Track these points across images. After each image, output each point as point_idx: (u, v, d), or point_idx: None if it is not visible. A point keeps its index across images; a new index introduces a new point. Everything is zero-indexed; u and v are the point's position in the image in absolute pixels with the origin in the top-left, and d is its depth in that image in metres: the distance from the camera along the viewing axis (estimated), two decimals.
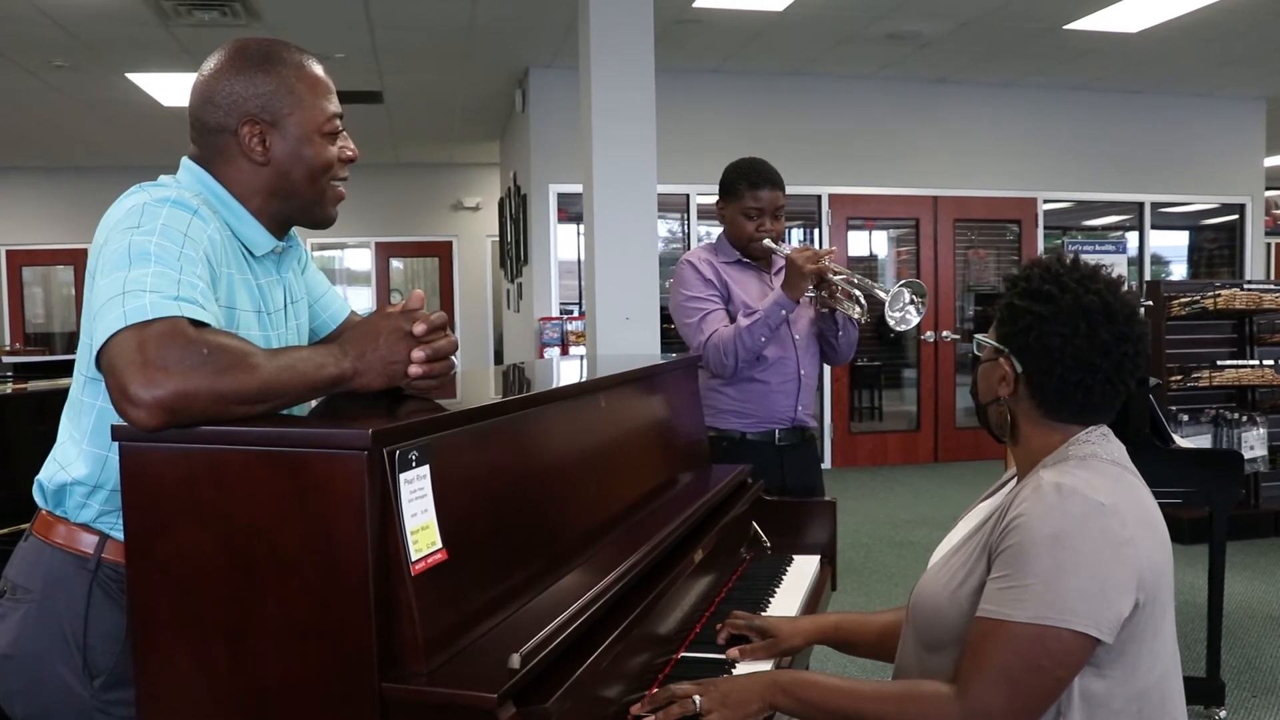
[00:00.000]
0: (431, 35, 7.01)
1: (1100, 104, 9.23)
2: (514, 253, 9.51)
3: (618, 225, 5.52)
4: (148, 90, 8.04)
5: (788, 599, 2.25)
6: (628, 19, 5.49)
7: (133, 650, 1.30)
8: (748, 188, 3.05)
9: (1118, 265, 8.22)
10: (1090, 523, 1.44)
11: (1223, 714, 3.49)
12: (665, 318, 7.54)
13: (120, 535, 1.45)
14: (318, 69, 1.65)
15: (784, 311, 2.92)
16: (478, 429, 1.45)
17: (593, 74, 5.46)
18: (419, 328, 1.43)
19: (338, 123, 1.66)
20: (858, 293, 2.94)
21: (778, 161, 3.16)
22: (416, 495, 1.25)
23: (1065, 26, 7.16)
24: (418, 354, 1.43)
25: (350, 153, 1.69)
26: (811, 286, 2.95)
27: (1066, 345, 1.55)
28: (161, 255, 1.36)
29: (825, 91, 8.65)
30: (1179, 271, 10.62)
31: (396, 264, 13.36)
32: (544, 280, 8.29)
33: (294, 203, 1.64)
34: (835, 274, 2.94)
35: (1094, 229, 10.11)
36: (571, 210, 8.20)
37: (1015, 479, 1.72)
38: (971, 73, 8.55)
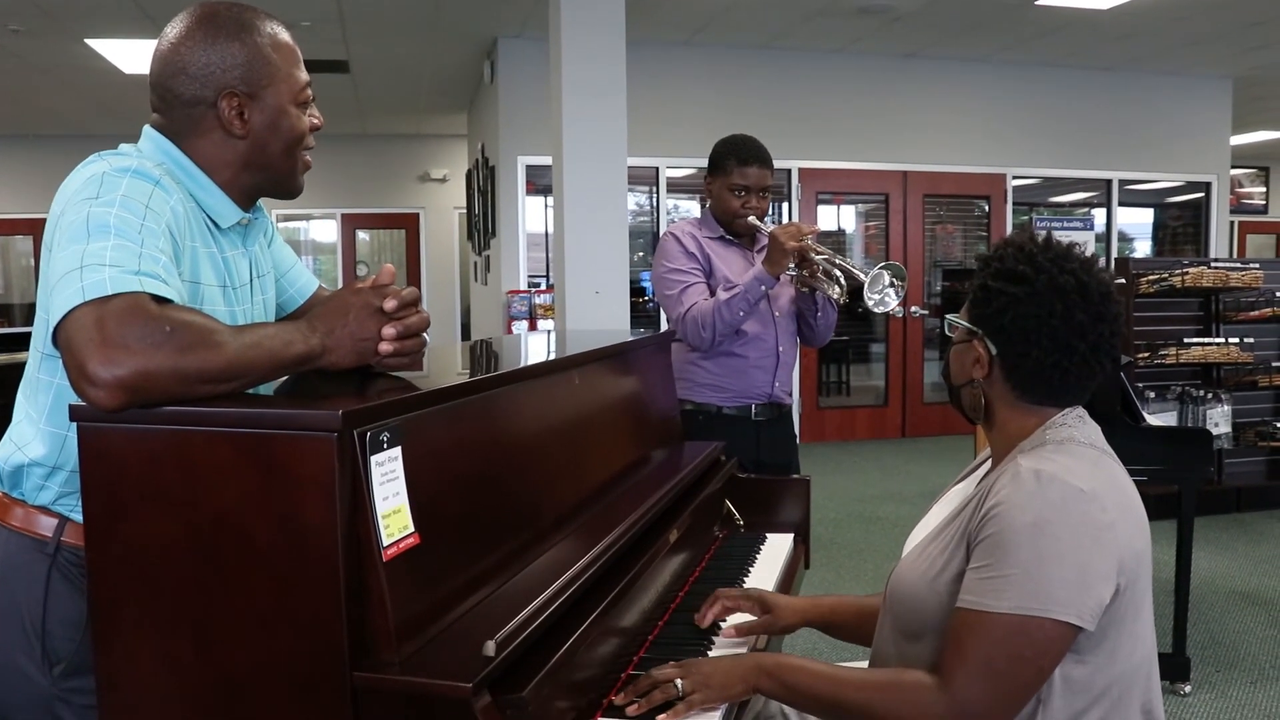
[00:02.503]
0: (399, 3, 6.90)
1: (1070, 81, 9.24)
2: (482, 225, 9.43)
3: (587, 199, 5.47)
4: (108, 56, 7.86)
5: (762, 578, 2.23)
6: None
7: (93, 638, 1.26)
8: (736, 164, 3.03)
9: (1087, 242, 8.25)
10: (1070, 509, 1.42)
11: (1188, 689, 3.53)
12: (635, 291, 7.51)
13: (81, 518, 1.40)
14: (288, 37, 1.60)
15: (764, 287, 2.90)
16: (450, 408, 1.41)
17: (563, 45, 5.39)
18: (390, 304, 1.39)
19: (309, 92, 1.61)
20: (838, 273, 2.92)
21: (748, 134, 3.13)
22: (388, 478, 1.21)
23: (1037, 3, 7.15)
24: (388, 331, 1.39)
25: (317, 121, 1.65)
26: (792, 264, 2.93)
27: (1042, 327, 1.52)
28: (121, 228, 1.31)
29: (796, 65, 8.60)
30: (1143, 248, 10.70)
31: (363, 235, 13.22)
32: (512, 253, 8.23)
33: (267, 174, 1.60)
34: (817, 253, 2.92)
35: (1062, 205, 10.16)
36: (540, 182, 8.13)
37: (990, 462, 1.70)
38: (943, 48, 8.53)
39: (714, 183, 3.10)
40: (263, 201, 1.69)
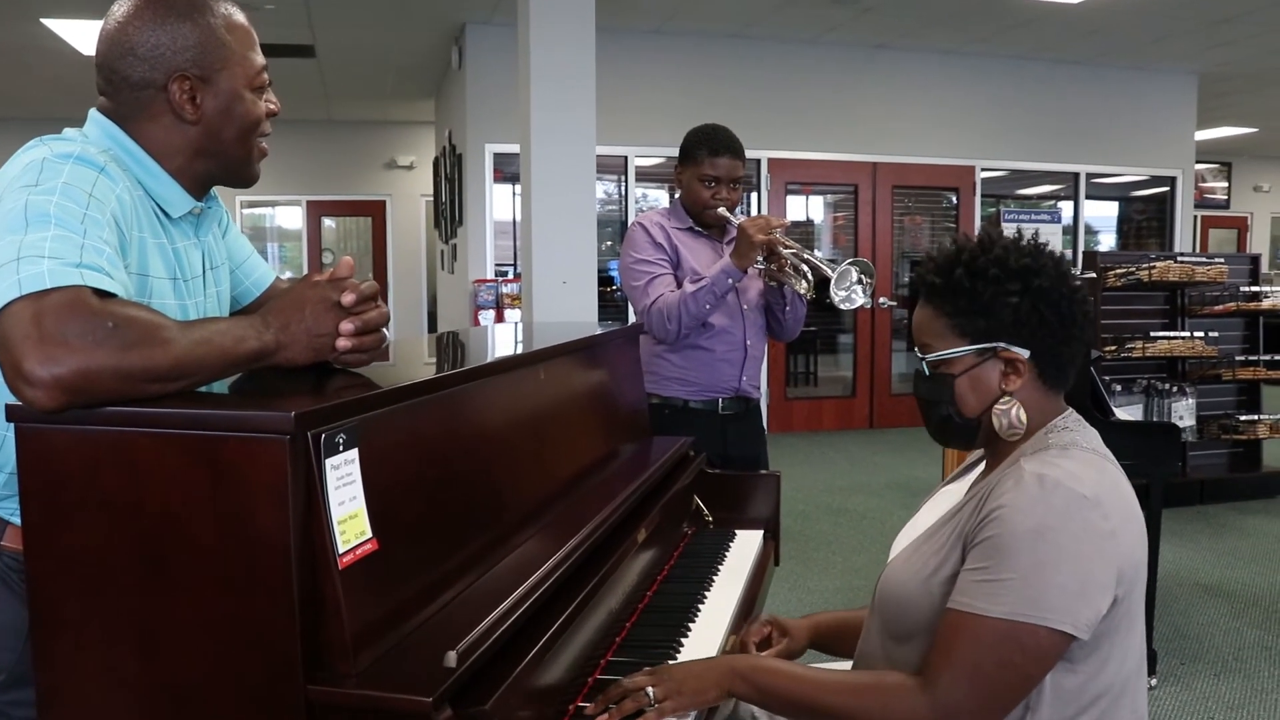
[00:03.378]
0: None
1: (1039, 74, 9.27)
2: (449, 213, 9.34)
3: (555, 188, 5.40)
4: (65, 37, 7.70)
5: (731, 577, 2.20)
6: None
7: (33, 648, 1.19)
8: (707, 154, 2.97)
9: (1054, 235, 8.28)
10: (1073, 517, 1.38)
11: (1154, 682, 3.53)
12: (603, 281, 7.45)
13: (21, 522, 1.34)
14: (243, 18, 1.54)
15: (731, 280, 2.86)
16: (410, 406, 1.35)
17: (531, 32, 5.32)
18: (348, 298, 1.33)
19: (265, 76, 1.55)
20: (806, 268, 2.88)
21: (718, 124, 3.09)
22: (344, 482, 1.15)
23: None
24: (346, 326, 1.33)
25: (274, 106, 1.58)
26: (761, 258, 2.89)
27: (1073, 306, 1.51)
28: (62, 217, 1.24)
29: (767, 55, 8.56)
30: (1108, 241, 10.78)
31: (329, 223, 13.09)
32: (479, 242, 8.15)
33: (220, 162, 1.53)
34: (785, 247, 2.88)
35: (1029, 198, 10.21)
36: (508, 170, 8.06)
37: (985, 464, 1.66)
38: (913, 39, 8.53)
39: (684, 173, 3.05)
40: (220, 190, 1.62)
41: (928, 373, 1.59)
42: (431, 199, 11.61)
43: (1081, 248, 9.76)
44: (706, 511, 2.55)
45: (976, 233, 1.59)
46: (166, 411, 1.13)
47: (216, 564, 1.11)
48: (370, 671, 1.13)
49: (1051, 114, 9.39)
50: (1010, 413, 1.54)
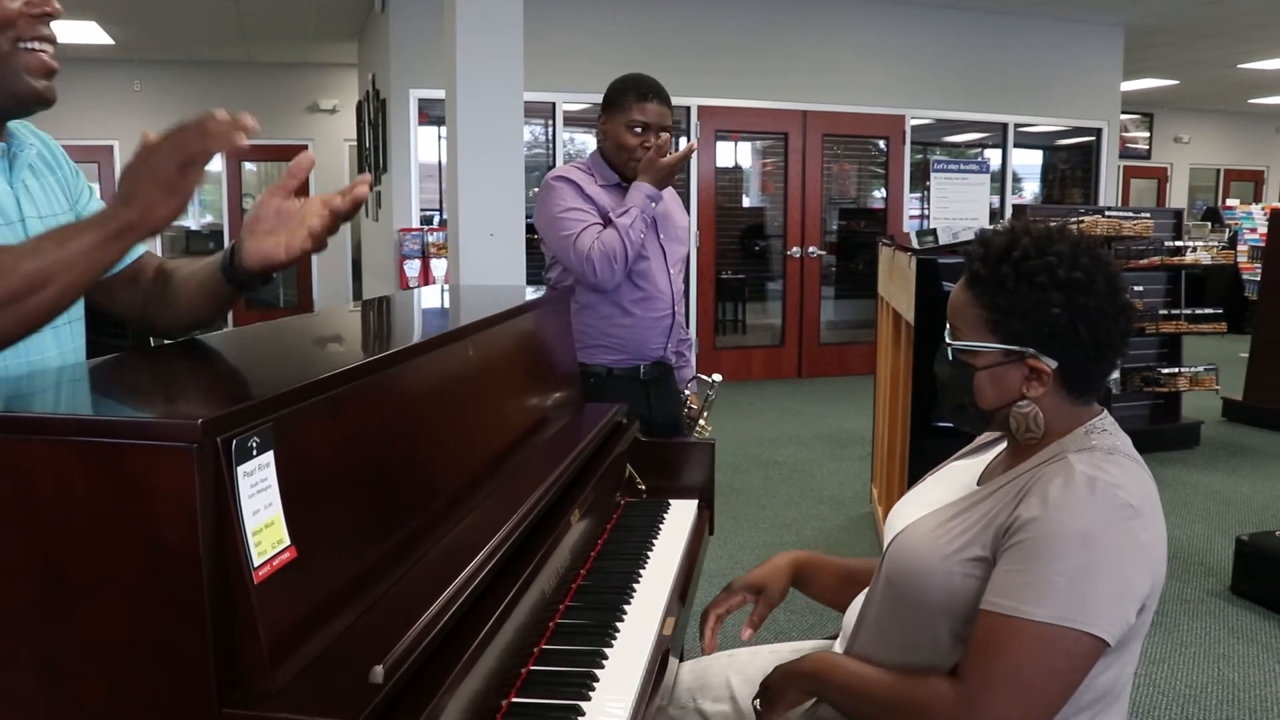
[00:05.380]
0: None
1: (969, 23, 9.27)
2: (373, 159, 9.11)
3: (482, 137, 5.27)
4: None
5: (667, 551, 2.16)
6: None
7: None
8: (635, 99, 2.87)
9: (980, 185, 8.32)
10: (1119, 525, 1.38)
11: None
12: (529, 229, 7.32)
13: None
14: None
15: (654, 204, 2.80)
16: (329, 398, 1.27)
17: None
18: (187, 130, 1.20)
19: None
20: None
21: (647, 71, 3.00)
22: (259, 489, 1.08)
23: None
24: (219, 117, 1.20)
25: (39, 10, 1.34)
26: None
27: (1114, 326, 1.46)
28: None
29: (697, 1, 8.44)
30: (1031, 189, 10.89)
31: (249, 167, 12.74)
32: (404, 190, 7.97)
33: None
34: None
35: (957, 146, 10.25)
36: (433, 114, 7.87)
37: (1007, 450, 1.62)
38: None
39: (609, 122, 2.92)
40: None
41: (951, 356, 1.55)
42: (355, 144, 11.32)
43: (1010, 197, 9.85)
44: (640, 480, 2.50)
45: (1036, 224, 1.53)
46: (61, 417, 1.04)
47: (121, 581, 1.03)
48: (291, 690, 1.06)
49: (981, 64, 9.41)
50: (1030, 416, 1.52)
